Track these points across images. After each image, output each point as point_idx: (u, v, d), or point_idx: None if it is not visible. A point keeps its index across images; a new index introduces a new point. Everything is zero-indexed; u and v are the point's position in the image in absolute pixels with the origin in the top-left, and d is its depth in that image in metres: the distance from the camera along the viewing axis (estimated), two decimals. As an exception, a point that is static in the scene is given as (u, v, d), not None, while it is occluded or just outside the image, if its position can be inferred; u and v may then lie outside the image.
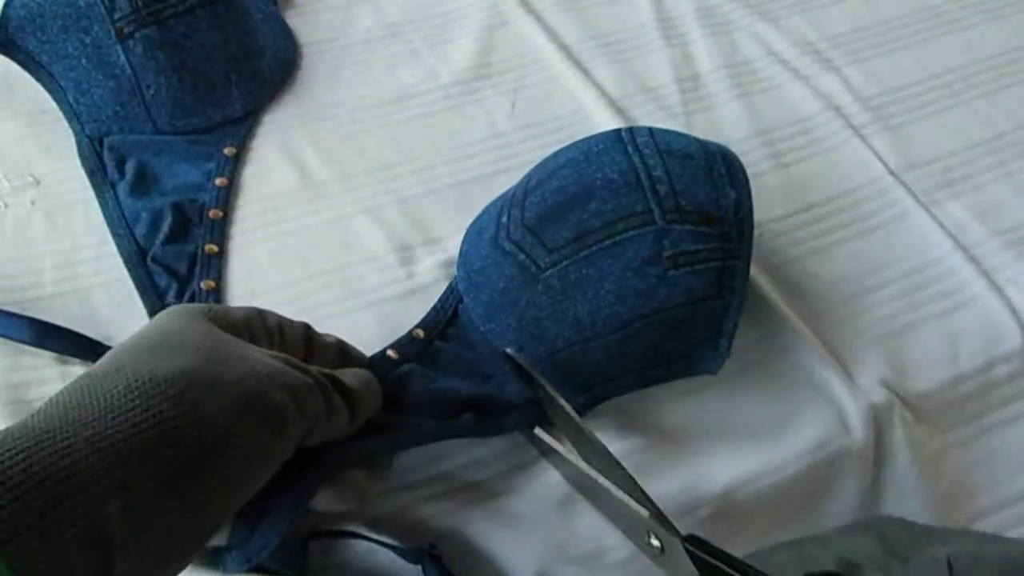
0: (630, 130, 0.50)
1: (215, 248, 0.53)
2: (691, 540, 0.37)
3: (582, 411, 0.46)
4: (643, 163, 0.47)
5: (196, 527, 0.34)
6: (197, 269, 0.52)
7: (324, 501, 0.40)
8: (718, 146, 0.50)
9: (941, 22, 0.71)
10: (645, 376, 0.47)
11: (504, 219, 0.49)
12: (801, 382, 0.49)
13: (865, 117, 0.64)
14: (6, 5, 0.57)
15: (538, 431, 0.44)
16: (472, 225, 0.54)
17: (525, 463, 0.46)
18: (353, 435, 0.41)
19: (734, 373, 0.49)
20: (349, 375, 0.41)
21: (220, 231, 0.54)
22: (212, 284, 0.52)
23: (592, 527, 0.44)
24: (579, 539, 0.43)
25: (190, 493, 0.33)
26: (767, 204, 0.58)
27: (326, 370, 0.40)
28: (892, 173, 0.60)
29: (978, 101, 0.66)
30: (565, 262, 0.46)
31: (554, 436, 0.44)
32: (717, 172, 0.48)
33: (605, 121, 0.62)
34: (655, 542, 0.39)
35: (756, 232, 0.56)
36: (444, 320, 0.50)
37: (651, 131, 0.50)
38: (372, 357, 0.47)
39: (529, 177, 0.51)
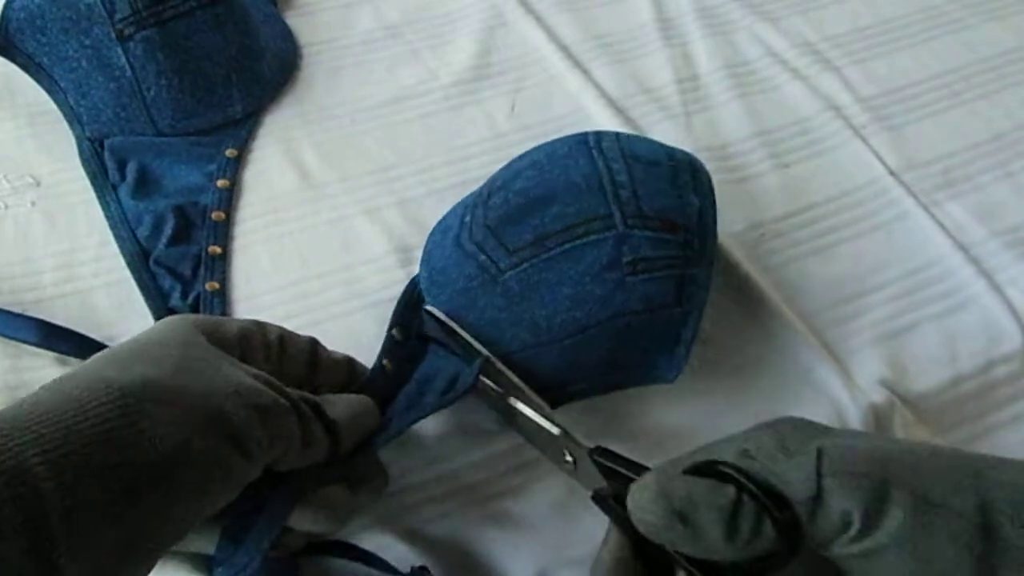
0: (597, 134, 0.49)
1: (218, 250, 0.53)
2: (597, 451, 0.38)
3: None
4: (607, 167, 0.46)
5: (152, 537, 0.33)
6: (201, 271, 0.52)
7: (302, 520, 0.39)
8: (686, 154, 0.50)
9: (941, 22, 0.71)
10: (600, 382, 0.46)
11: (467, 219, 0.49)
12: (800, 382, 0.49)
13: (865, 117, 0.64)
14: (6, 7, 0.57)
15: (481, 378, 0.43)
16: (438, 224, 0.53)
17: (523, 465, 0.46)
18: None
19: (733, 373, 0.49)
20: (341, 405, 0.40)
21: (223, 233, 0.54)
22: (216, 285, 0.52)
23: (592, 529, 0.44)
24: (578, 541, 0.43)
25: (142, 503, 0.32)
26: (767, 204, 0.58)
27: (310, 396, 0.39)
28: (892, 173, 0.60)
29: (978, 101, 0.65)
30: (525, 264, 0.45)
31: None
32: (682, 180, 0.47)
33: (605, 121, 0.62)
34: (568, 458, 0.40)
35: (756, 232, 0.56)
36: (411, 313, 0.49)
37: (618, 136, 0.49)
38: (372, 370, 0.46)
39: (495, 178, 0.50)
